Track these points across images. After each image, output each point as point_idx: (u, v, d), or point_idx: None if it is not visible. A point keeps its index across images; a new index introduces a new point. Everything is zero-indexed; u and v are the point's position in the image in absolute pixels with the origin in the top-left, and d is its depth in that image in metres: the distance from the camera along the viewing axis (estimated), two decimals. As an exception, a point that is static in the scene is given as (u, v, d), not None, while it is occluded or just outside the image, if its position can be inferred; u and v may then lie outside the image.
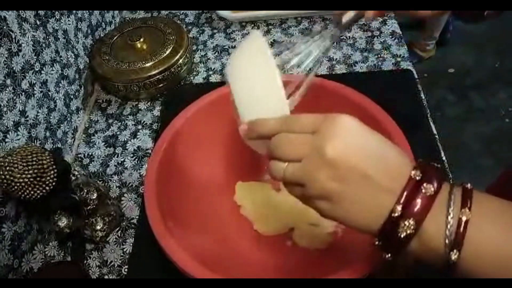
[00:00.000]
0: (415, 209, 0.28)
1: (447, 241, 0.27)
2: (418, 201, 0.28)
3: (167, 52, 0.67)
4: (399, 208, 0.28)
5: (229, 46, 0.76)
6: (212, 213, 0.51)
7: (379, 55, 0.71)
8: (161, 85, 0.66)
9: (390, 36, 0.74)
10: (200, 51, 0.75)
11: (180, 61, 0.67)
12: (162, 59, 0.66)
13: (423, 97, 0.64)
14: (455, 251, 0.27)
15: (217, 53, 0.75)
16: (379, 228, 0.29)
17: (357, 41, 0.74)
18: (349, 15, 0.42)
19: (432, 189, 0.28)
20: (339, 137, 0.29)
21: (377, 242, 0.30)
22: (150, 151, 0.62)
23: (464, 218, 0.27)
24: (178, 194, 0.48)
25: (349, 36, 0.75)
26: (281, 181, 0.33)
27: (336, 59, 0.71)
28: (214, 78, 0.71)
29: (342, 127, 0.30)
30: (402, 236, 0.28)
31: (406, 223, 0.28)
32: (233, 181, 0.55)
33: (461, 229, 0.27)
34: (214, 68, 0.72)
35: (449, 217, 0.27)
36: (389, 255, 0.30)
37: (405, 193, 0.28)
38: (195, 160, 0.51)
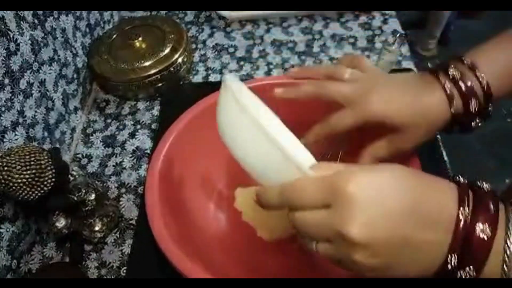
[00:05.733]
0: (472, 257, 0.25)
1: (505, 276, 0.25)
2: (474, 246, 0.25)
3: (166, 51, 0.66)
4: (454, 257, 0.26)
5: (229, 45, 0.75)
6: (213, 219, 0.51)
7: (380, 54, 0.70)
8: (160, 84, 0.66)
9: (392, 35, 0.73)
10: (200, 50, 0.75)
11: (179, 60, 0.66)
12: (161, 58, 0.65)
13: (425, 97, 0.63)
14: None
15: (216, 52, 0.74)
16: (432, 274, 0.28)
17: (358, 40, 0.73)
18: None
19: (488, 229, 0.25)
20: (359, 216, 0.26)
21: None
22: (148, 151, 0.61)
23: None
24: (177, 196, 0.48)
25: (350, 35, 0.74)
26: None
27: (337, 58, 0.70)
28: (214, 78, 0.70)
29: (357, 202, 0.27)
30: (461, 278, 0.26)
31: (464, 272, 0.26)
32: (234, 185, 0.54)
33: None
34: (213, 67, 0.72)
35: (508, 252, 0.25)
36: None
37: (456, 240, 0.26)
38: (196, 164, 0.51)
